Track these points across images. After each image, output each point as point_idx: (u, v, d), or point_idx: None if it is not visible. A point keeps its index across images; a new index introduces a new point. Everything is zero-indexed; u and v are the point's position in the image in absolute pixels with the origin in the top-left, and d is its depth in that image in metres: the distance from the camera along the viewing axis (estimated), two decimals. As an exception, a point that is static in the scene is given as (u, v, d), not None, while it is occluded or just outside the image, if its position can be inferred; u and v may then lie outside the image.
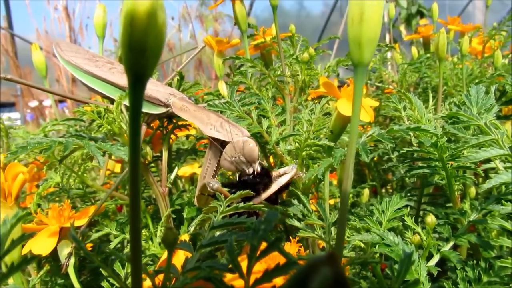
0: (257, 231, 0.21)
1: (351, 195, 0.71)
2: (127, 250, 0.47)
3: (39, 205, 0.55)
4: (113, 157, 0.68)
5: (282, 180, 0.37)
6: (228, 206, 0.31)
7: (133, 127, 0.17)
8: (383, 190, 0.83)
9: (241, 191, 0.32)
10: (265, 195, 0.36)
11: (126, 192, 0.62)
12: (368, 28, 0.22)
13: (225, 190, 0.35)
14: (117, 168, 0.78)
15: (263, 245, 0.23)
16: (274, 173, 0.37)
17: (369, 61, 0.22)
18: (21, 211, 0.21)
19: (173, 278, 0.26)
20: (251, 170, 0.36)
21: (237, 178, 0.37)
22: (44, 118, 3.51)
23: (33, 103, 3.80)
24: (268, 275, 0.20)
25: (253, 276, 0.21)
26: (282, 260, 0.23)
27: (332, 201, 0.67)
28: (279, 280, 0.22)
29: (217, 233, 0.27)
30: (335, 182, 0.77)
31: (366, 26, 0.22)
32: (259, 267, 0.26)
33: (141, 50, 0.15)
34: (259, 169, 0.35)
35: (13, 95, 4.52)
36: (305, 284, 0.12)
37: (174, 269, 0.24)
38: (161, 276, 0.26)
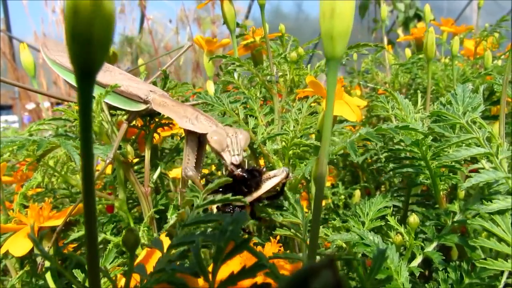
0: (224, 232, 0.20)
1: (343, 197, 0.71)
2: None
3: (25, 206, 0.54)
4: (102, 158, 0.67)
5: (271, 183, 0.36)
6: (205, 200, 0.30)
7: (83, 123, 0.16)
8: (378, 192, 0.82)
9: (220, 179, 0.31)
10: (253, 196, 0.35)
11: (115, 193, 0.61)
12: (340, 22, 0.21)
13: (198, 180, 0.34)
14: (108, 169, 0.77)
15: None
16: (264, 176, 0.37)
17: (341, 55, 0.22)
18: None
19: (144, 279, 0.25)
20: (237, 159, 0.34)
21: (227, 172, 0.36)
22: (41, 120, 3.50)
23: (30, 106, 3.80)
24: (233, 278, 0.19)
25: (219, 279, 0.21)
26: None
27: (323, 202, 0.67)
28: (247, 283, 0.21)
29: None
30: (328, 184, 0.77)
31: (337, 20, 0.21)
32: (235, 268, 0.25)
33: (87, 41, 0.14)
34: (240, 160, 0.34)
35: (11, 98, 4.51)
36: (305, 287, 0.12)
37: (143, 270, 0.23)
38: (136, 277, 0.25)
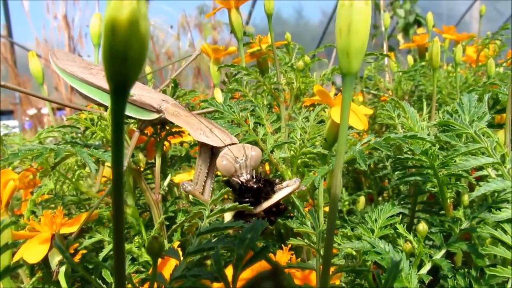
0: (243, 240, 0.21)
1: (347, 203, 0.71)
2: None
3: (33, 212, 0.54)
4: (108, 164, 0.68)
5: (283, 193, 0.36)
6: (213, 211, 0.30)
7: (115, 136, 0.17)
8: (380, 198, 0.83)
9: (223, 190, 0.32)
10: (265, 204, 0.36)
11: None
12: (356, 39, 0.22)
13: (198, 193, 0.35)
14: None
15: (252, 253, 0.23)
16: (277, 186, 0.37)
17: (357, 71, 0.23)
18: (7, 219, 0.21)
19: (162, 286, 0.26)
20: (248, 176, 0.35)
21: (238, 185, 0.37)
22: (42, 126, 3.51)
23: (32, 111, 3.81)
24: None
25: (240, 284, 0.21)
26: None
27: (327, 208, 0.67)
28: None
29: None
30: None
31: (353, 37, 0.22)
32: (250, 275, 0.25)
33: (123, 59, 0.15)
34: (253, 177, 0.34)
35: (12, 103, 4.52)
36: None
37: (161, 277, 0.24)
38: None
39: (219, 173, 0.67)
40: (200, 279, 0.21)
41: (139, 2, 0.15)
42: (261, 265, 0.30)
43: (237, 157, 0.34)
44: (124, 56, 0.15)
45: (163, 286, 0.25)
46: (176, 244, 0.34)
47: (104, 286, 0.24)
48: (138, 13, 0.15)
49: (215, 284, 0.22)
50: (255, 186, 0.34)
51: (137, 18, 0.15)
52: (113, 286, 0.24)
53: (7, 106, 4.57)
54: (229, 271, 0.23)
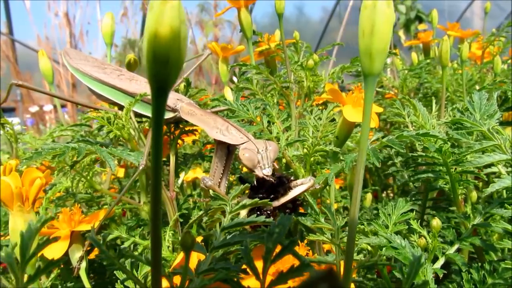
0: (272, 234, 0.22)
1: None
2: (136, 253, 0.47)
3: (45, 209, 0.55)
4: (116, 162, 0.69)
5: (299, 189, 0.37)
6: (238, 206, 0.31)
7: (155, 134, 0.18)
8: (384, 195, 0.84)
9: (243, 186, 0.33)
10: (283, 199, 0.36)
11: (129, 197, 0.62)
12: (379, 40, 0.23)
13: (218, 188, 0.36)
14: (121, 173, 0.79)
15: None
16: (291, 184, 0.38)
17: (379, 71, 0.23)
18: (44, 216, 0.22)
19: (187, 280, 0.27)
20: (270, 170, 0.36)
21: (254, 181, 0.38)
22: (44, 123, 3.52)
23: (33, 108, 3.81)
24: (283, 276, 0.21)
25: (268, 278, 0.22)
26: (290, 264, 0.24)
27: (335, 206, 0.68)
28: (291, 283, 0.23)
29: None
30: (337, 187, 0.78)
31: (376, 38, 0.23)
32: (270, 270, 0.26)
33: (164, 61, 0.16)
34: (273, 171, 0.35)
35: (13, 101, 4.52)
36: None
37: (189, 271, 0.25)
38: (176, 278, 0.27)
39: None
40: (230, 271, 0.22)
41: (179, 9, 0.16)
42: (280, 262, 0.31)
43: (258, 148, 0.35)
44: (166, 59, 0.16)
45: (188, 280, 0.26)
46: (199, 239, 0.35)
47: (137, 274, 0.25)
48: (179, 19, 0.16)
49: (243, 277, 0.23)
50: (275, 181, 0.35)
51: (178, 24, 0.16)
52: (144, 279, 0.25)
53: (8, 103, 4.57)
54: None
